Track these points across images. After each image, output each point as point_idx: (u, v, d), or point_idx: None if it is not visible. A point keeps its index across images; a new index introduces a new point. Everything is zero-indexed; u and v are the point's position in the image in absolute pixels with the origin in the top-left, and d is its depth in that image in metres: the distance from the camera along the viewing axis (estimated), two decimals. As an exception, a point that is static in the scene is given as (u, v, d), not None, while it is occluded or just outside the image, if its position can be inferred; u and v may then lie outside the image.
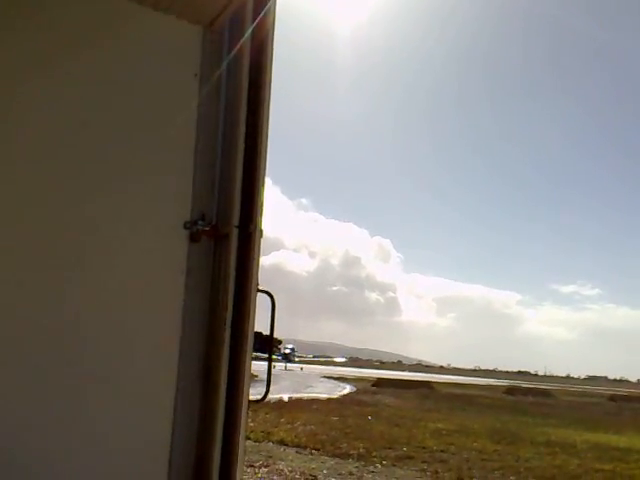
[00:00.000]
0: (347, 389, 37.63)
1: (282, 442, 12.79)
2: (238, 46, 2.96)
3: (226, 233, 2.88)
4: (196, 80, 2.99)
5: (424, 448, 13.56)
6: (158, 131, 2.91)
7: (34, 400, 2.57)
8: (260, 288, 2.94)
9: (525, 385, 71.37)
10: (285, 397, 24.94)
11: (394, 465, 11.29)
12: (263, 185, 2.93)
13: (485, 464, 12.18)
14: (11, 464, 2.49)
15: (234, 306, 2.82)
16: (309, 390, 32.83)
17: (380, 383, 45.75)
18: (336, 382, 45.91)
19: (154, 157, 2.91)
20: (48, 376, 2.59)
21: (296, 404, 23.03)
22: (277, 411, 18.51)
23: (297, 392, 29.55)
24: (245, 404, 2.80)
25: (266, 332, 3.21)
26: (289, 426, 15.53)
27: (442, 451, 13.40)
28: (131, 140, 2.87)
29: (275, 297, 3.11)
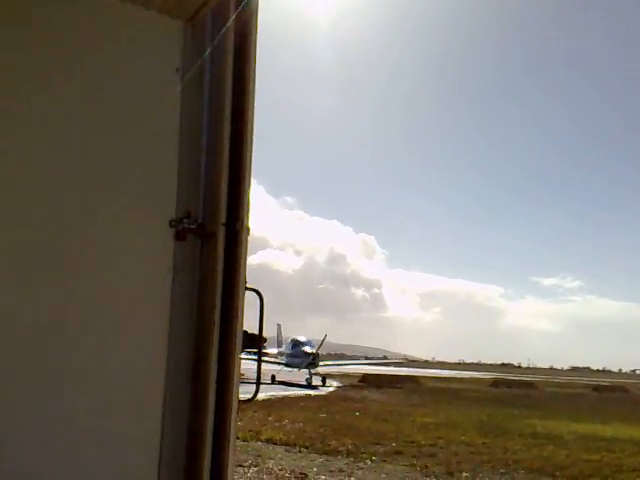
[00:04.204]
0: (334, 386, 37.69)
1: (271, 440, 12.78)
2: (220, 40, 2.90)
3: (213, 231, 2.83)
4: (178, 75, 2.94)
5: (412, 443, 13.62)
6: (140, 128, 2.85)
7: (20, 403, 2.51)
8: (248, 286, 2.90)
9: (509, 377, 71.97)
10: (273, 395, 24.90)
11: (383, 461, 11.33)
12: (249, 182, 2.89)
13: (474, 457, 12.26)
14: None
15: (222, 305, 2.78)
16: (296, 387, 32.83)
17: (366, 379, 45.90)
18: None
19: (137, 154, 2.85)
20: (33, 379, 2.53)
21: (284, 402, 23.04)
22: (265, 409, 18.50)
23: (285, 390, 29.53)
24: (235, 404, 2.77)
25: (253, 330, 3.17)
26: (277, 424, 15.52)
27: (431, 445, 13.48)
28: (113, 138, 2.81)
29: (263, 295, 3.07)
